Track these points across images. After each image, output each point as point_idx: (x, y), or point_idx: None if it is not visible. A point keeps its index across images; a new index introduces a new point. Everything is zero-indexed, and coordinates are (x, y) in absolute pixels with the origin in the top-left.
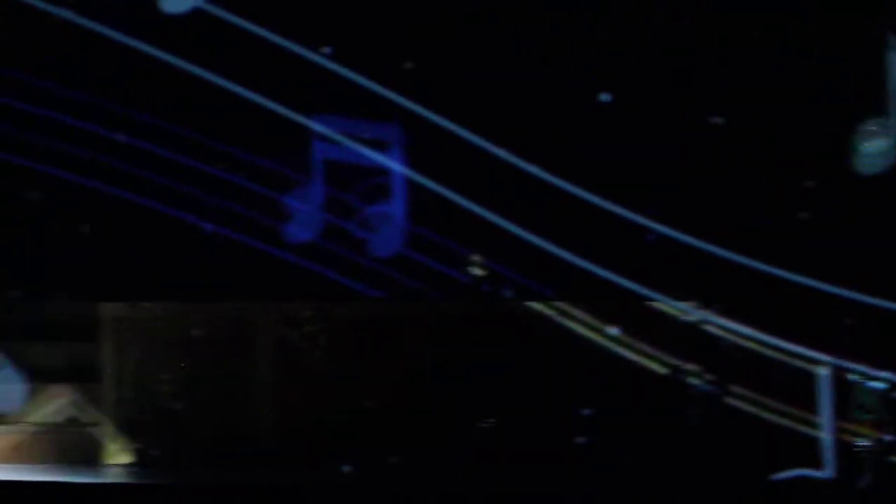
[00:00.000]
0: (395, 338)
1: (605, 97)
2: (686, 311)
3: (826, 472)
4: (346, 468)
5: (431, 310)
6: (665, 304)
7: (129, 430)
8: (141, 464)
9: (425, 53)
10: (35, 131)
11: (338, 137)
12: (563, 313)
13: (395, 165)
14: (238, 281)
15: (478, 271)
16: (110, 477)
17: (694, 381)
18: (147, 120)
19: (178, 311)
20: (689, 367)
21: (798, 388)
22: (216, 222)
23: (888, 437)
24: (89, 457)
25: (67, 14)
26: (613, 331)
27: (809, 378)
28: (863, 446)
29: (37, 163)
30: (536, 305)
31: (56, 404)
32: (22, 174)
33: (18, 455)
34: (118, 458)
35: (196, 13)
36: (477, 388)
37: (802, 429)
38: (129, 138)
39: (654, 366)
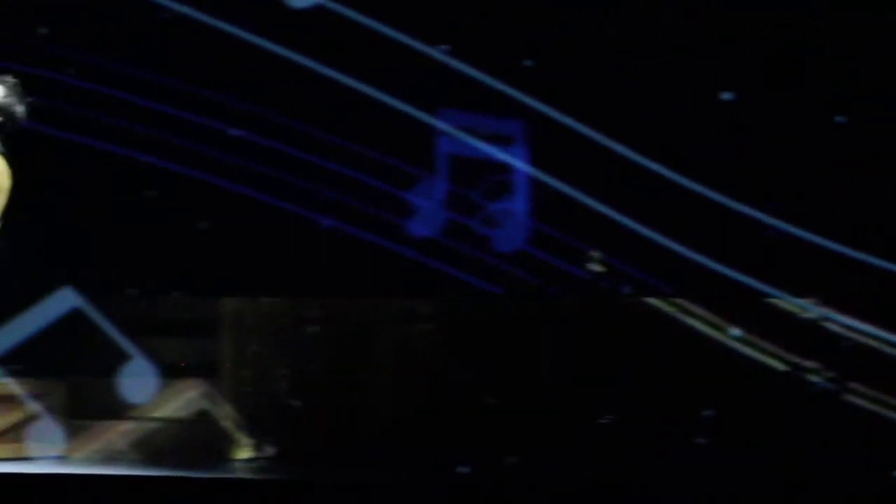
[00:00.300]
0: (514, 335)
1: (726, 95)
2: (806, 308)
3: None
4: (464, 469)
5: (551, 306)
6: (785, 301)
7: (248, 425)
8: (259, 459)
9: (546, 51)
10: (157, 128)
11: (460, 134)
12: (683, 310)
13: (518, 162)
14: (357, 277)
15: (597, 267)
16: (231, 472)
17: (813, 378)
18: (266, 115)
19: (297, 307)
20: (809, 364)
21: None
22: (336, 218)
23: None
24: (212, 452)
25: (187, 10)
26: (732, 327)
27: None
28: None
29: (158, 159)
30: (655, 302)
31: (180, 400)
32: (142, 171)
33: (144, 449)
34: (237, 453)
35: (318, 9)
36: (595, 387)
37: None
38: (248, 134)
39: (773, 363)
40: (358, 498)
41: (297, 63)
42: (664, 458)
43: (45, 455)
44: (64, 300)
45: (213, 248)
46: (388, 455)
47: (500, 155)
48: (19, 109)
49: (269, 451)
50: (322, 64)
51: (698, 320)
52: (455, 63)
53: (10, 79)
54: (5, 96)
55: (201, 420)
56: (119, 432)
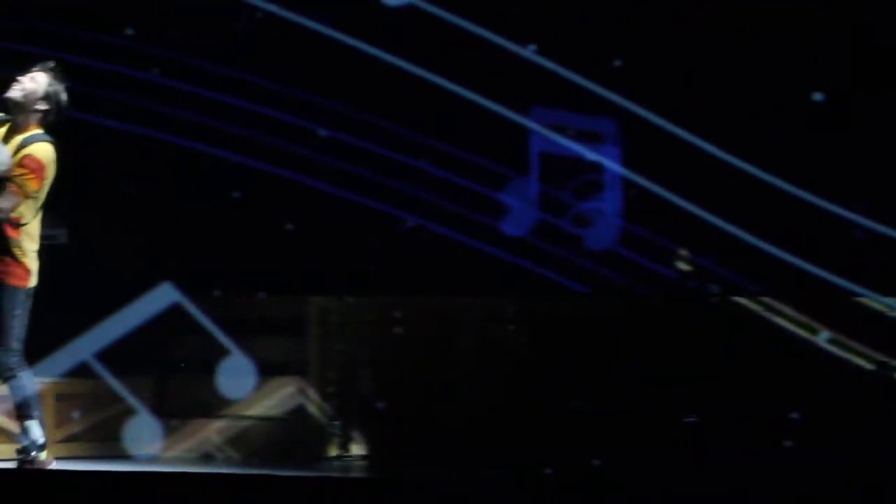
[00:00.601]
0: (601, 334)
1: (817, 96)
2: (893, 306)
3: None
4: (549, 471)
5: (638, 306)
6: (873, 300)
7: (337, 424)
8: (349, 458)
9: (636, 51)
10: (247, 127)
11: (552, 133)
12: (770, 309)
13: (609, 161)
14: (445, 276)
15: (685, 267)
16: (321, 470)
17: None
18: (354, 115)
19: (385, 305)
20: None
21: None
22: (425, 217)
23: None
24: (302, 450)
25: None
26: (820, 327)
27: None
28: None
29: (247, 158)
30: (743, 301)
31: (271, 398)
32: (231, 172)
33: (240, 447)
34: (324, 451)
35: (410, 10)
36: (681, 387)
37: None
38: (336, 133)
39: (861, 362)
40: (444, 497)
41: (387, 62)
42: (750, 459)
43: (137, 453)
44: (164, 296)
45: (301, 248)
46: (472, 454)
47: (592, 154)
48: (63, 97)
49: (359, 449)
50: (413, 63)
51: (786, 319)
52: (545, 62)
53: (52, 65)
54: (51, 84)
55: (293, 418)
56: (212, 430)
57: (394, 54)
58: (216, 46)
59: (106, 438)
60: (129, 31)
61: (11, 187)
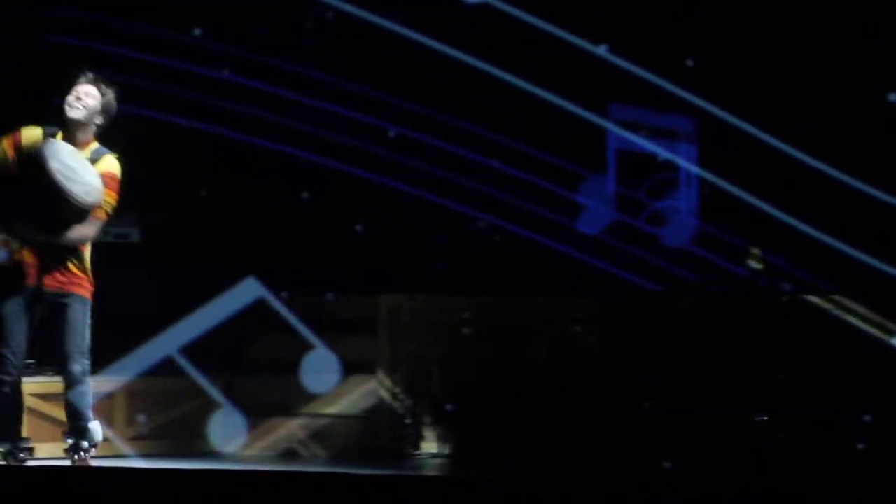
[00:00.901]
0: (673, 333)
1: (894, 97)
2: None
3: None
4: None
5: (711, 304)
6: None
7: (407, 422)
8: (419, 455)
9: (712, 51)
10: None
11: (628, 131)
12: (843, 307)
13: (684, 159)
14: (517, 275)
15: (757, 265)
16: (391, 469)
17: None
18: (427, 113)
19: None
20: None
21: None
22: (497, 216)
23: None
24: (378, 447)
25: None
26: (893, 325)
27: None
28: None
29: (321, 156)
30: (816, 300)
31: (348, 396)
32: (302, 171)
33: (319, 444)
34: (400, 449)
35: (483, 8)
36: (752, 386)
37: None
38: (407, 131)
39: None
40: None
41: (461, 61)
42: (821, 461)
43: (213, 451)
44: (249, 291)
45: (372, 247)
46: (541, 455)
47: (667, 152)
48: (114, 105)
49: (433, 448)
50: (485, 61)
51: (859, 318)
52: (618, 61)
53: (96, 76)
54: (104, 95)
55: (369, 416)
56: (289, 428)
57: (469, 53)
58: (288, 45)
59: (177, 436)
60: (197, 31)
61: (97, 212)
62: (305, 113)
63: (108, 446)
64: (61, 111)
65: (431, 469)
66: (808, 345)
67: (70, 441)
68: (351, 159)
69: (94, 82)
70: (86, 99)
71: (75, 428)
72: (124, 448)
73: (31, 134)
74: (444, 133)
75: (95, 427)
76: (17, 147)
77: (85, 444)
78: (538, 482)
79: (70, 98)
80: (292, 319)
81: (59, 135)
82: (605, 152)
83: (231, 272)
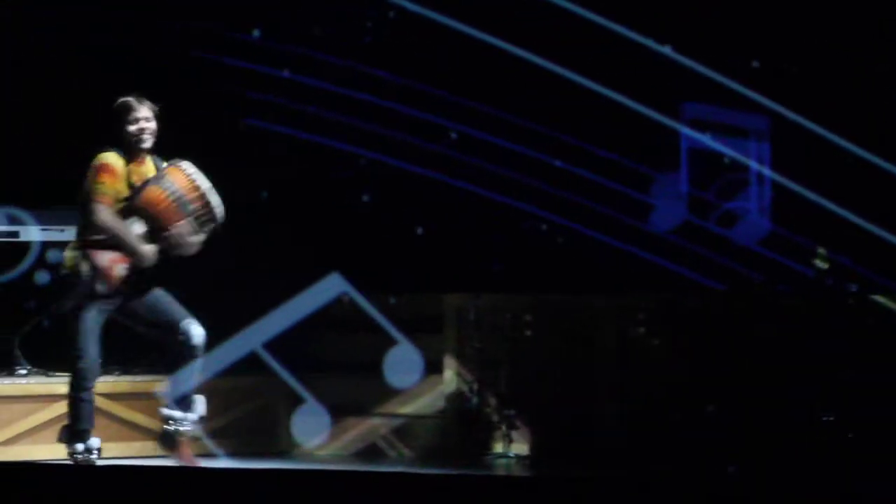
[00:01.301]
0: (737, 332)
1: None
2: None
3: None
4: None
5: (775, 304)
6: None
7: (472, 422)
8: (482, 455)
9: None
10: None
11: (700, 130)
12: None
13: (755, 159)
14: (582, 273)
15: (822, 265)
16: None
17: None
18: (490, 112)
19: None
20: None
21: None
22: (562, 216)
23: None
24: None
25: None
26: None
27: None
28: None
29: (381, 155)
30: (882, 300)
31: (426, 395)
32: (362, 171)
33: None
34: (466, 449)
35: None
36: (818, 385)
37: None
38: (472, 130)
39: None
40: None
41: (527, 61)
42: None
43: (281, 450)
44: (333, 286)
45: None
46: (610, 454)
47: (738, 153)
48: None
49: (502, 447)
50: (550, 61)
51: None
52: (685, 61)
53: (140, 97)
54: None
55: (436, 416)
56: (369, 427)
57: (535, 53)
58: (349, 44)
59: (247, 435)
60: (256, 33)
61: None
62: (368, 112)
63: (197, 444)
64: (132, 142)
65: (500, 469)
66: (874, 344)
67: (175, 414)
68: (416, 159)
69: (148, 105)
70: (150, 125)
71: (184, 398)
72: (210, 446)
73: (119, 162)
74: (510, 133)
75: (201, 399)
76: (124, 178)
77: (193, 416)
78: (608, 482)
79: (135, 129)
80: (378, 316)
81: (118, 156)
82: (680, 150)
83: (297, 275)
